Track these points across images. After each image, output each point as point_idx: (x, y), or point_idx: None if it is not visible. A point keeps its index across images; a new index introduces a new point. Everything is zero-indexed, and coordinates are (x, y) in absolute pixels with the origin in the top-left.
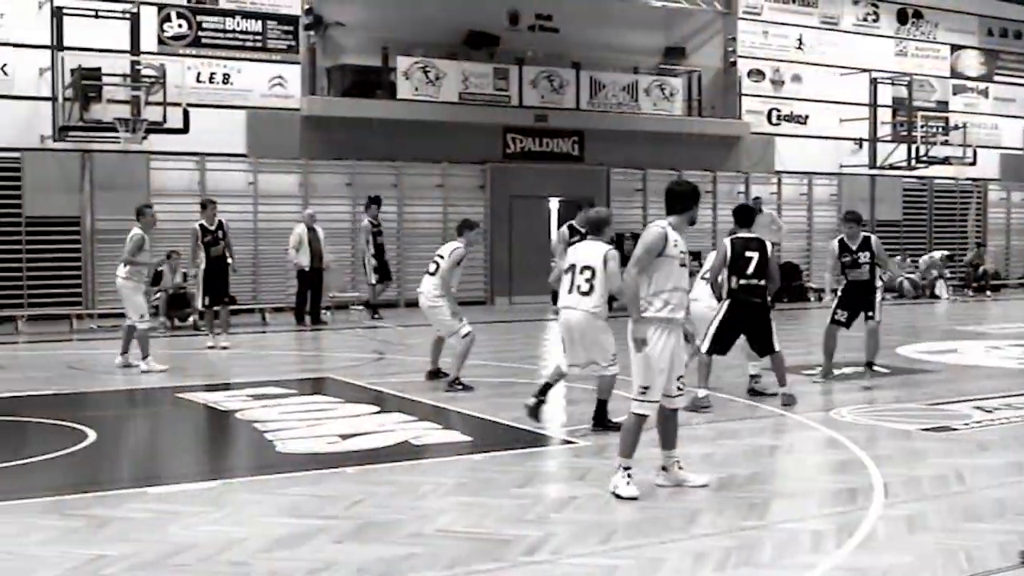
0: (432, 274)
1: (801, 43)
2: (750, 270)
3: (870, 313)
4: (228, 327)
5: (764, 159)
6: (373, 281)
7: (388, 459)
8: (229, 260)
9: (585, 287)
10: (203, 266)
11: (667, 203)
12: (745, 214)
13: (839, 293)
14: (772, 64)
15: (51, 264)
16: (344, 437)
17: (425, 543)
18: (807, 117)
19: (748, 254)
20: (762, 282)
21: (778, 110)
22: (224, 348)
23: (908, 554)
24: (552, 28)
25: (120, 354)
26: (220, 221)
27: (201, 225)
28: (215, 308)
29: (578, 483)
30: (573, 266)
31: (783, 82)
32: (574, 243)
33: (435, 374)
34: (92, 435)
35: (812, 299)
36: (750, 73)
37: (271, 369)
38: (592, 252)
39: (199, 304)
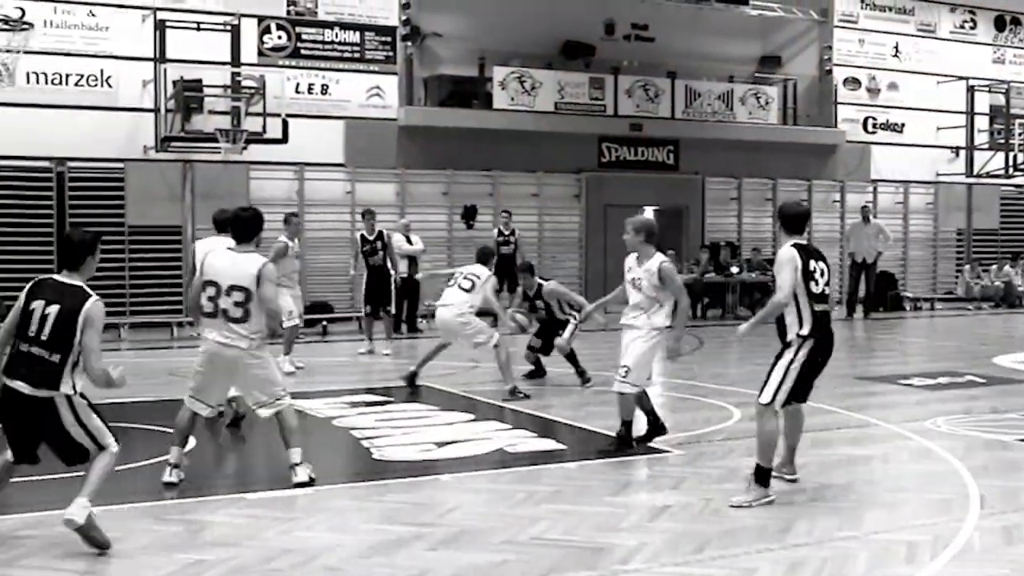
0: (467, 291)
1: (897, 51)
2: (823, 289)
3: None
4: (390, 335)
5: (860, 168)
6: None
7: (482, 467)
8: (392, 271)
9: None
10: (364, 275)
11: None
12: (800, 219)
13: None
14: (868, 72)
15: (153, 272)
16: (439, 444)
17: (519, 551)
18: (903, 125)
19: (815, 265)
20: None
21: (874, 118)
22: (386, 355)
23: (1004, 567)
24: (648, 37)
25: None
26: (380, 231)
27: (362, 235)
28: (375, 316)
29: (672, 492)
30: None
31: (879, 90)
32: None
33: (414, 378)
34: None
35: (908, 308)
36: (846, 81)
37: (368, 377)
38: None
39: (363, 311)
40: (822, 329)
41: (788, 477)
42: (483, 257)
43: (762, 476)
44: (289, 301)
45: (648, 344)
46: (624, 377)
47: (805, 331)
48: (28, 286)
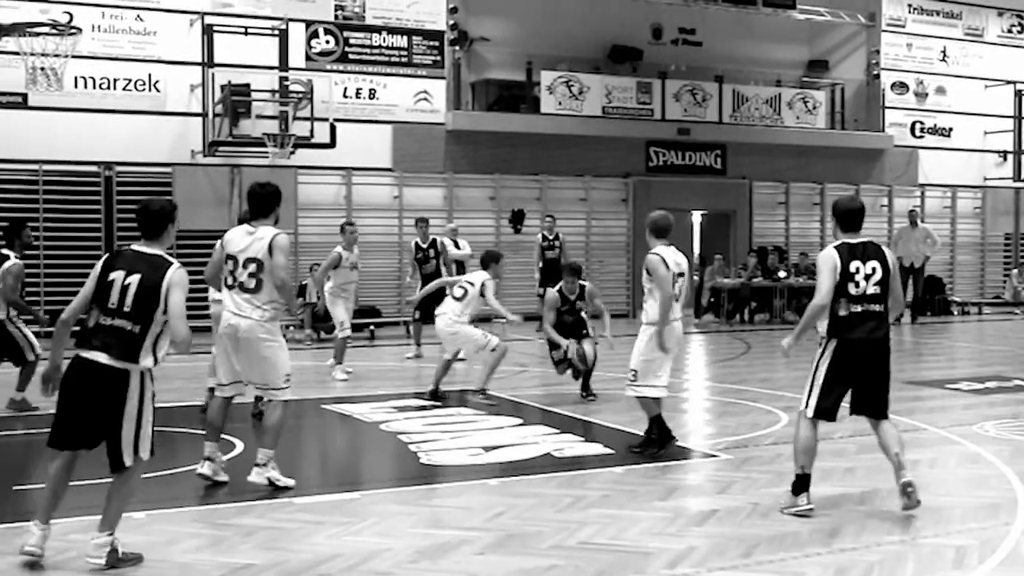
0: (459, 299)
1: (945, 55)
2: (866, 289)
3: None
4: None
5: (907, 172)
6: (540, 293)
7: (530, 471)
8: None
9: (681, 297)
10: (419, 282)
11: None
12: (853, 215)
13: None
14: (916, 76)
15: (201, 276)
16: (487, 449)
17: (567, 555)
18: (951, 130)
19: (859, 266)
20: (881, 307)
21: (921, 123)
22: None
23: None
24: (695, 42)
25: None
26: (433, 239)
27: (416, 242)
28: (424, 322)
29: (720, 496)
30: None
31: (927, 94)
32: None
33: (436, 394)
34: (240, 446)
35: (955, 312)
36: (893, 86)
37: (415, 381)
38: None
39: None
40: (848, 330)
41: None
42: (484, 261)
43: (799, 483)
44: (342, 311)
45: (642, 340)
46: (632, 381)
47: (822, 331)
48: (104, 257)
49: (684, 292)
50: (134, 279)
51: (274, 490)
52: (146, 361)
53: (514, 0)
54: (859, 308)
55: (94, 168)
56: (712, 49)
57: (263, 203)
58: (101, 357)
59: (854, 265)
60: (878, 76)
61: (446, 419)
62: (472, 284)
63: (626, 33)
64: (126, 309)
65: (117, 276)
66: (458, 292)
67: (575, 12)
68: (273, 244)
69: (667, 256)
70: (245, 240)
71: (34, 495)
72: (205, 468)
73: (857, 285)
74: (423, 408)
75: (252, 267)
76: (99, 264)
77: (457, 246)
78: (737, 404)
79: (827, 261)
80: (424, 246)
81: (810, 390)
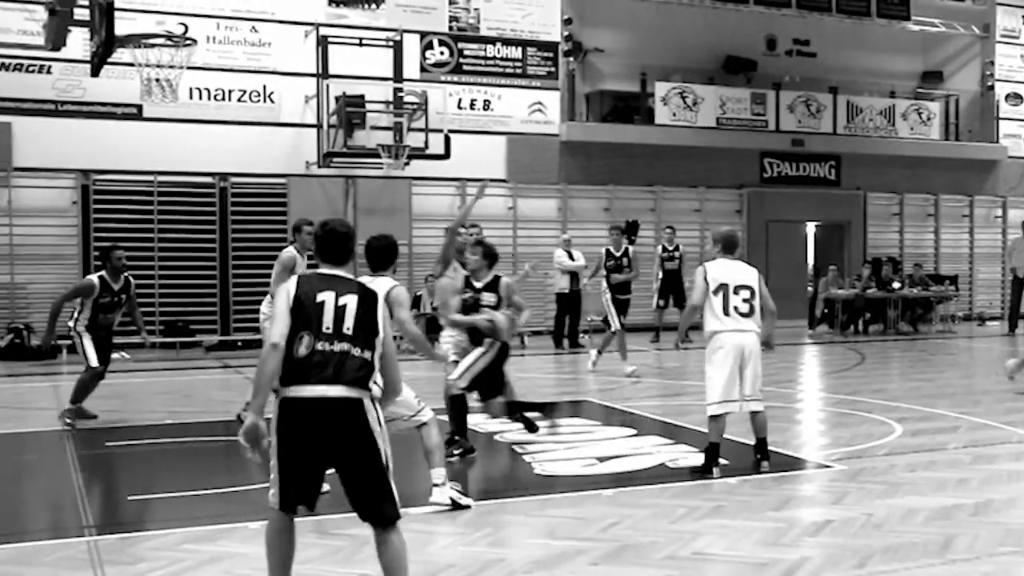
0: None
1: None
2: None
3: None
4: (624, 351)
5: (1021, 183)
6: (659, 305)
7: (644, 481)
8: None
9: (745, 308)
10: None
11: None
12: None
13: None
14: None
15: None
16: (601, 459)
17: (681, 566)
18: None
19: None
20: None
21: None
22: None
23: None
24: (809, 53)
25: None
26: (626, 248)
27: (608, 249)
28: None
29: (834, 507)
30: (725, 285)
31: None
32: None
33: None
34: None
35: None
36: (1008, 97)
37: (530, 392)
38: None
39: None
40: None
41: None
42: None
43: None
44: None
45: (707, 357)
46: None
47: None
48: (296, 280)
49: (755, 306)
50: (350, 299)
51: (454, 508)
52: (375, 389)
53: (628, 11)
54: None
55: (209, 179)
56: (826, 60)
57: (382, 256)
58: (331, 390)
59: None
60: (992, 87)
61: (561, 429)
62: None
63: (740, 44)
64: (345, 331)
65: (327, 297)
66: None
67: (689, 23)
68: (391, 299)
69: (710, 268)
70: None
71: (149, 505)
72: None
73: None
74: (537, 419)
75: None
76: (292, 287)
77: (571, 257)
78: (851, 415)
79: None
80: (617, 254)
81: None
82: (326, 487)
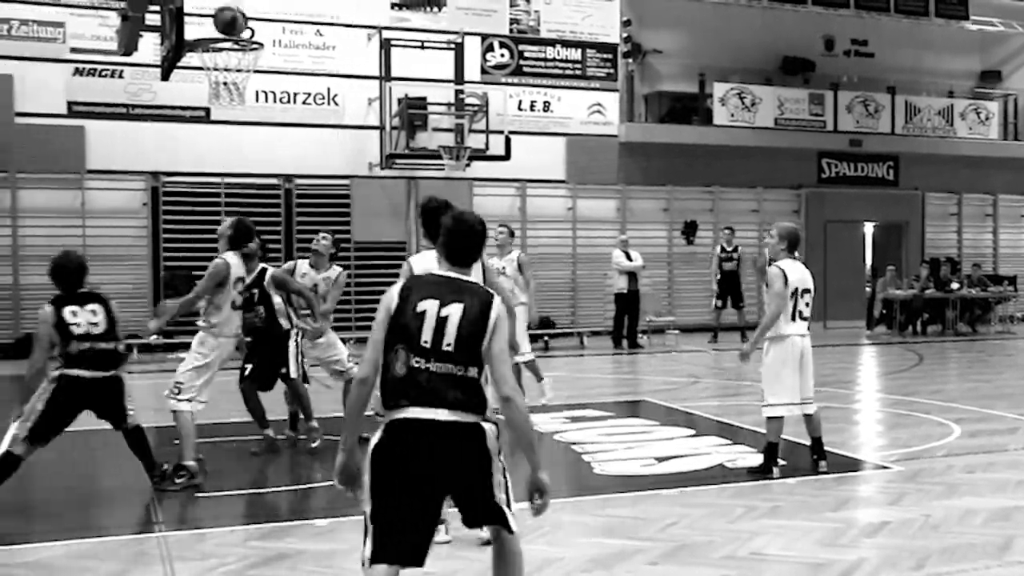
0: None
1: None
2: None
3: None
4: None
5: None
6: (717, 305)
7: (702, 482)
8: None
9: (807, 312)
10: None
11: None
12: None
13: None
14: None
15: (378, 288)
16: (659, 459)
17: (739, 565)
18: None
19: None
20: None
21: None
22: None
23: None
24: (867, 53)
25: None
26: (736, 244)
27: (722, 245)
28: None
29: (892, 508)
30: (796, 289)
31: None
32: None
33: None
34: None
35: None
36: None
37: (589, 392)
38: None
39: None
40: None
41: None
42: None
43: None
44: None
45: (772, 359)
46: (765, 402)
47: None
48: (401, 284)
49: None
50: (454, 310)
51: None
52: (489, 411)
53: (686, 13)
54: None
55: (274, 180)
56: (884, 60)
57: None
58: (439, 415)
59: None
60: None
61: (619, 430)
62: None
63: (798, 44)
64: (447, 348)
65: (429, 306)
66: None
67: (747, 24)
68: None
69: (789, 271)
70: None
71: (217, 502)
72: None
73: None
74: (596, 419)
75: None
76: (396, 293)
77: (629, 257)
78: (909, 416)
79: None
80: (729, 249)
81: None
82: (446, 536)
